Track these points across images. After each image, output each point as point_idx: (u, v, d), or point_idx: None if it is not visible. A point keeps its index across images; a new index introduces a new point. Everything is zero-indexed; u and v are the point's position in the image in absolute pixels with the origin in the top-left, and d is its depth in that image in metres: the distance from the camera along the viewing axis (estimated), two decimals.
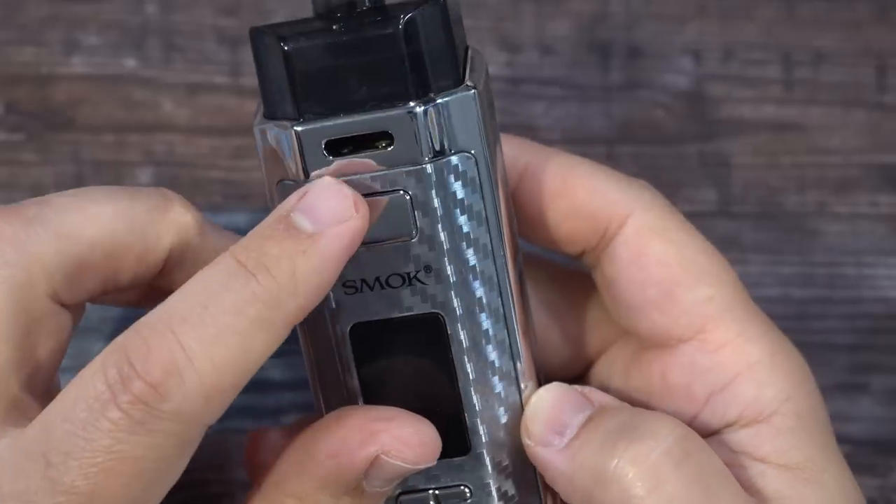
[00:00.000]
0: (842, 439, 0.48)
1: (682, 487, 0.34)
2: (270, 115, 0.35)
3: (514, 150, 0.39)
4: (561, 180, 0.39)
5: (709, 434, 0.38)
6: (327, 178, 0.34)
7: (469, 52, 0.36)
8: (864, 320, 0.48)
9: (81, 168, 0.48)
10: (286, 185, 0.35)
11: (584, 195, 0.39)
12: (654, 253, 0.38)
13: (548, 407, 0.36)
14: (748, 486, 0.37)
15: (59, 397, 0.33)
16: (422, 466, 0.35)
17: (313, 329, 0.36)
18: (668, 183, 0.48)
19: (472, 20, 0.48)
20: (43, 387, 0.35)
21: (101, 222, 0.35)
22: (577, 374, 0.42)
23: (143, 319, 0.33)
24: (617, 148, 0.48)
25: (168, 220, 0.36)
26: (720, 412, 0.38)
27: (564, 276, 0.42)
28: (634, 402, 0.39)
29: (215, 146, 0.48)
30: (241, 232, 0.48)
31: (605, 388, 0.40)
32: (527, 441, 0.36)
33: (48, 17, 0.48)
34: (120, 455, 0.31)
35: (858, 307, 0.48)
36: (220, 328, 0.32)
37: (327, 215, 0.33)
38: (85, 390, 0.32)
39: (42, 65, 0.48)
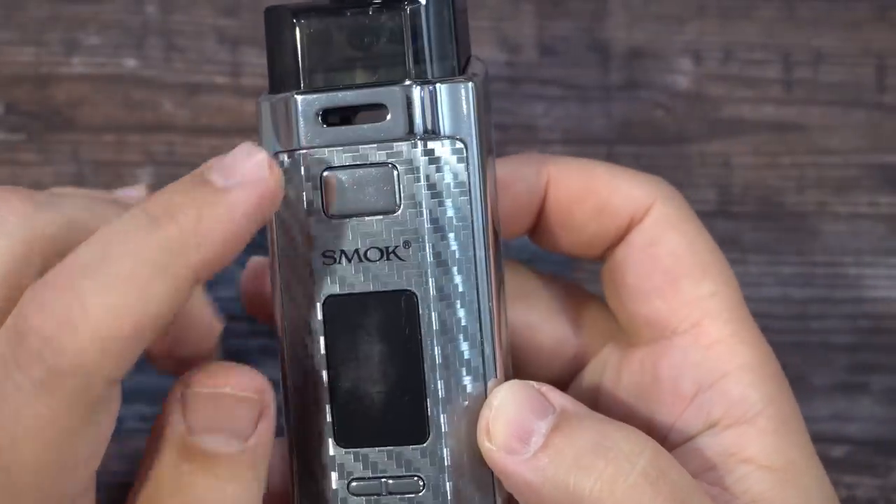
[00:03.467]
0: (842, 439, 0.48)
1: None
2: (275, 89, 0.36)
3: (534, 165, 0.40)
4: (583, 183, 0.40)
5: (693, 434, 0.38)
6: (247, 143, 0.34)
7: (472, 57, 0.38)
8: (864, 320, 0.48)
9: (81, 168, 0.48)
10: (282, 159, 0.36)
11: (607, 193, 0.40)
12: (667, 243, 0.39)
13: (511, 410, 0.36)
14: (733, 489, 0.37)
15: None
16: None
17: (287, 298, 0.37)
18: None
19: (472, 20, 0.47)
20: None
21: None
22: (567, 376, 0.42)
23: (45, 275, 0.32)
24: (617, 148, 0.48)
25: None
26: (706, 409, 0.38)
27: (554, 282, 0.43)
28: (624, 402, 0.40)
29: (215, 146, 0.48)
30: None
31: (595, 389, 0.41)
32: (487, 444, 0.36)
33: (48, 17, 0.48)
34: (28, 421, 0.31)
35: (858, 307, 0.48)
36: (117, 275, 0.31)
37: (239, 173, 0.33)
38: None
39: (42, 65, 0.48)
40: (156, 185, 0.48)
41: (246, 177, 0.33)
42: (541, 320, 0.42)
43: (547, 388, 0.36)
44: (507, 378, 0.37)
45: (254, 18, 0.48)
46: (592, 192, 0.40)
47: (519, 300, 0.41)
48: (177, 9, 0.48)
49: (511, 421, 0.35)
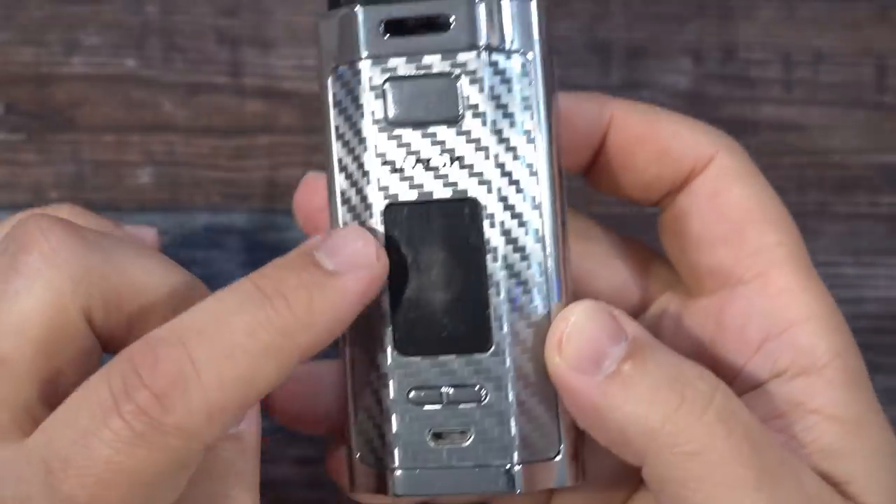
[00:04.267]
0: None
1: (733, 446, 0.34)
2: (334, 5, 0.36)
3: (597, 102, 0.40)
4: (647, 126, 0.39)
5: (760, 381, 0.38)
6: (353, 225, 0.35)
7: None
8: (864, 320, 0.48)
9: (81, 168, 0.48)
10: (341, 72, 0.36)
11: (669, 138, 0.39)
12: (733, 192, 0.39)
13: (587, 329, 0.35)
14: (800, 438, 0.37)
15: (63, 404, 0.32)
16: None
17: (346, 208, 0.36)
18: None
19: None
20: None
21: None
22: None
23: (154, 331, 0.32)
24: None
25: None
26: (773, 358, 0.38)
27: (613, 233, 0.42)
28: (685, 350, 0.39)
29: (215, 146, 0.48)
30: (240, 233, 0.48)
31: (655, 336, 0.40)
32: (556, 360, 0.35)
33: (48, 17, 0.48)
34: (119, 467, 0.31)
35: (858, 307, 0.48)
36: (230, 347, 0.32)
37: (349, 258, 0.34)
38: (89, 398, 0.32)
39: (42, 65, 0.48)
40: (156, 185, 0.48)
41: (355, 262, 0.34)
42: (599, 265, 0.41)
43: (619, 313, 0.36)
44: (568, 296, 0.36)
45: (254, 18, 0.48)
46: (655, 136, 0.39)
47: (578, 244, 0.40)
48: (177, 9, 0.48)
49: (586, 339, 0.35)
